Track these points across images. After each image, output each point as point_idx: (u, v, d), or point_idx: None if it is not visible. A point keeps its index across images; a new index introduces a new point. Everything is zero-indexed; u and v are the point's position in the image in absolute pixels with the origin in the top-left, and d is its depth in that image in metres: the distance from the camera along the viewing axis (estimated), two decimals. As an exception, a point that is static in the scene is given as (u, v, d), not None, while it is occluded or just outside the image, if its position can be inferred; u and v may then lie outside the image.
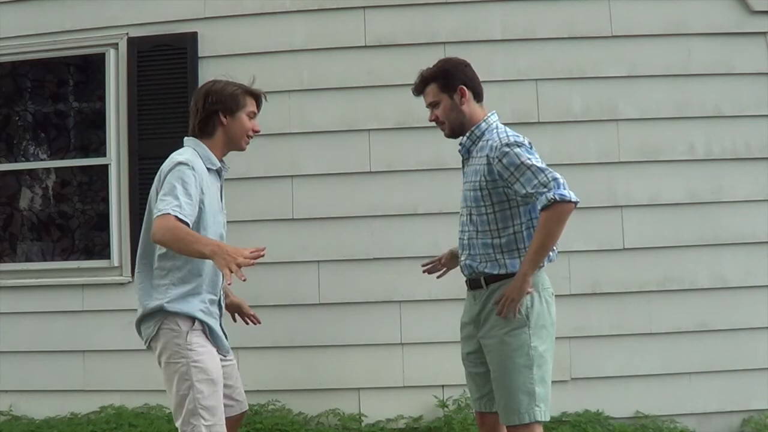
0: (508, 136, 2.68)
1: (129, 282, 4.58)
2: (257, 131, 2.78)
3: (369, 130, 4.51)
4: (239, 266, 2.31)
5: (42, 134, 5.13)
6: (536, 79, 4.47)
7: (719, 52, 4.45)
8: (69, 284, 4.62)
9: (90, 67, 4.91)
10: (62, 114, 5.06)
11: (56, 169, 5.04)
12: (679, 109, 4.44)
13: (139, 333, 2.68)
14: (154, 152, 4.54)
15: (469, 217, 2.74)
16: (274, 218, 4.50)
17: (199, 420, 2.49)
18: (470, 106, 2.78)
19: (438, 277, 3.13)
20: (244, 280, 2.33)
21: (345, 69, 4.55)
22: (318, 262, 4.46)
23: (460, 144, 2.84)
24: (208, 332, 2.63)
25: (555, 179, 2.54)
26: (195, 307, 2.59)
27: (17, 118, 5.12)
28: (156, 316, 2.59)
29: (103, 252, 4.72)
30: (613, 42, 4.47)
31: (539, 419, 2.58)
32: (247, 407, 2.87)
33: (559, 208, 2.52)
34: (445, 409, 4.28)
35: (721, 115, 4.43)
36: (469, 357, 2.83)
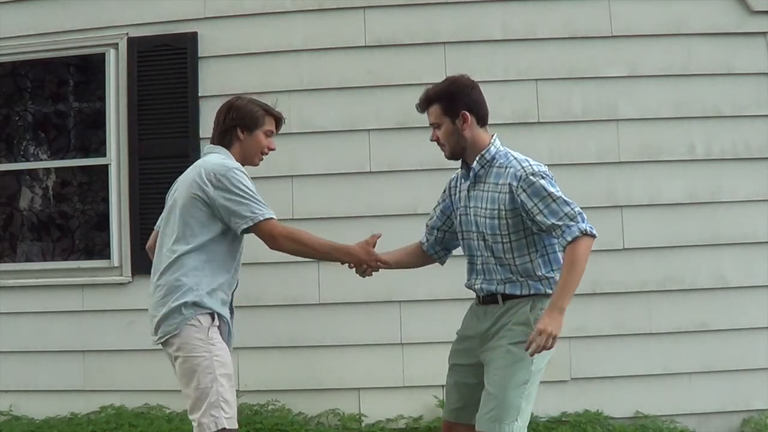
0: (531, 165, 2.66)
1: (129, 282, 4.58)
2: (272, 149, 2.88)
3: (369, 130, 4.51)
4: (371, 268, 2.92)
5: (42, 134, 5.13)
6: (536, 79, 4.47)
7: (719, 52, 4.45)
8: (69, 284, 4.62)
9: (90, 67, 4.91)
10: (62, 114, 5.06)
11: (56, 169, 5.05)
12: (679, 109, 4.44)
13: (156, 328, 2.67)
14: (154, 152, 4.55)
15: (483, 242, 2.72)
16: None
17: (221, 412, 2.55)
18: (473, 131, 2.74)
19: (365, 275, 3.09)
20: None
21: (345, 69, 4.55)
22: (318, 262, 4.45)
23: (465, 167, 2.81)
24: (225, 332, 2.72)
25: (580, 213, 2.58)
26: (218, 304, 2.68)
27: (17, 118, 5.12)
28: (182, 311, 2.62)
29: (103, 252, 4.72)
30: (613, 42, 4.47)
31: None
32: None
33: (588, 242, 2.57)
34: (445, 409, 4.28)
35: (721, 115, 4.43)
36: (462, 368, 2.83)
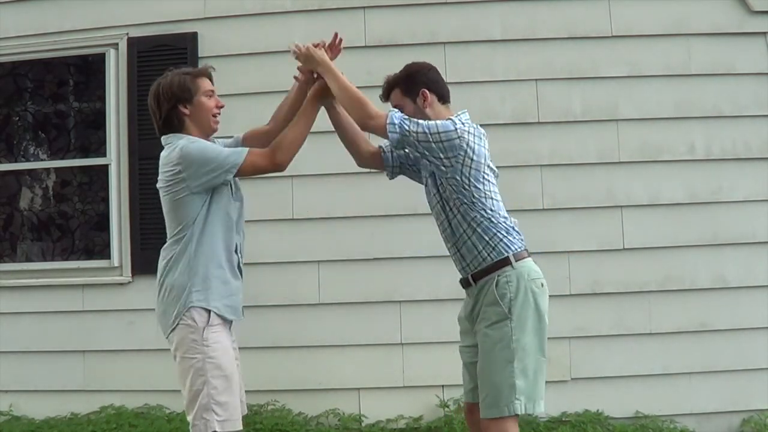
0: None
1: (129, 282, 4.58)
2: (221, 106, 2.78)
3: (369, 130, 4.50)
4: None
5: (42, 134, 5.13)
6: (536, 79, 4.46)
7: (719, 52, 4.45)
8: (69, 284, 4.62)
9: (90, 67, 4.91)
10: (62, 114, 5.06)
11: (56, 169, 5.05)
12: (679, 109, 4.44)
13: (162, 325, 2.68)
14: (154, 152, 4.48)
15: (445, 230, 2.77)
16: (274, 218, 4.50)
17: (212, 415, 2.51)
18: (434, 108, 2.78)
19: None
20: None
21: (345, 69, 4.51)
22: (318, 262, 4.45)
23: None
24: (227, 325, 2.69)
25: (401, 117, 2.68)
26: (213, 298, 2.62)
27: (17, 118, 5.12)
28: (176, 311, 2.61)
29: (103, 252, 4.72)
30: (613, 42, 4.47)
31: (519, 412, 2.55)
32: (246, 410, 2.86)
33: (377, 119, 2.71)
34: (446, 409, 4.28)
35: (721, 115, 4.43)
36: (465, 349, 2.85)
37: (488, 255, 2.66)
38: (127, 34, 4.68)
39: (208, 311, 2.61)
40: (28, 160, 5.08)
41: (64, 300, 4.62)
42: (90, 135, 4.95)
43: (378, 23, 4.54)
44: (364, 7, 4.54)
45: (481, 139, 2.71)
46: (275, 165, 2.66)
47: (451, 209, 2.71)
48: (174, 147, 2.62)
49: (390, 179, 3.09)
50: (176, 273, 2.62)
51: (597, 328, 4.37)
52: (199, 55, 4.59)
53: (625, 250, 4.37)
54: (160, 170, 2.66)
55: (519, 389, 2.55)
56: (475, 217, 2.67)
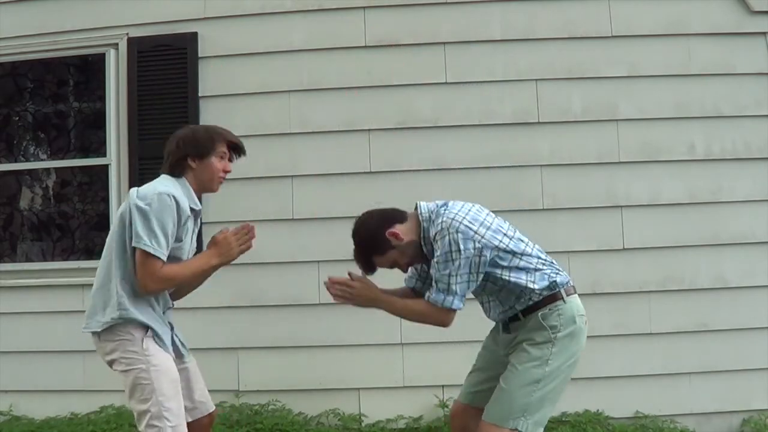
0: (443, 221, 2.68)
1: (129, 282, 4.58)
2: (228, 171, 2.77)
3: (369, 130, 4.51)
4: (242, 249, 2.69)
5: (42, 134, 5.13)
6: (536, 79, 4.46)
7: (719, 52, 4.45)
8: (69, 284, 4.62)
9: (90, 67, 4.91)
10: (62, 114, 5.06)
11: (56, 169, 5.05)
12: (679, 109, 4.44)
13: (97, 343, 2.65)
14: (154, 152, 4.51)
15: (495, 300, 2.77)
16: (274, 218, 4.50)
17: (164, 422, 2.50)
18: (406, 235, 2.73)
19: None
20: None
21: (345, 69, 4.55)
22: (318, 262, 4.45)
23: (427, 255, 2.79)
24: (160, 341, 2.63)
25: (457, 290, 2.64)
26: (149, 315, 2.61)
27: (17, 118, 5.12)
28: (113, 324, 2.58)
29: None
30: (613, 42, 4.47)
31: (520, 429, 2.57)
32: (214, 407, 2.85)
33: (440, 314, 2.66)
34: (445, 409, 4.28)
35: (721, 115, 4.43)
36: (486, 358, 2.88)
37: (539, 294, 2.66)
38: (127, 34, 4.68)
39: (145, 326, 2.60)
40: (28, 160, 5.08)
41: (64, 300, 4.62)
42: (90, 135, 4.95)
43: (378, 23, 4.54)
44: (364, 7, 4.54)
45: (484, 222, 2.67)
46: (144, 286, 2.56)
47: (493, 287, 2.71)
48: (151, 186, 2.62)
49: None
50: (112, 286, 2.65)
51: (597, 328, 4.33)
52: (199, 55, 4.60)
53: (625, 250, 4.37)
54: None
55: (531, 410, 2.58)
56: (518, 282, 2.66)
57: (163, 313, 2.71)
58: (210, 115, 4.55)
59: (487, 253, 2.61)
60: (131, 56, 4.65)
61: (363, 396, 4.41)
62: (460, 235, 2.58)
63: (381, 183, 4.49)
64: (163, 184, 2.61)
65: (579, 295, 2.75)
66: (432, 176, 4.45)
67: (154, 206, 2.52)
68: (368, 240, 2.75)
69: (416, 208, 2.78)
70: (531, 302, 2.67)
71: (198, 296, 4.62)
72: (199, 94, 4.58)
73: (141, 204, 2.53)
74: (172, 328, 2.73)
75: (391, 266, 2.80)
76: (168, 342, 2.65)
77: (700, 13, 4.47)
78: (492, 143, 4.45)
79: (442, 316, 2.66)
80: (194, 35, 4.61)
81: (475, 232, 2.60)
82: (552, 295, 2.67)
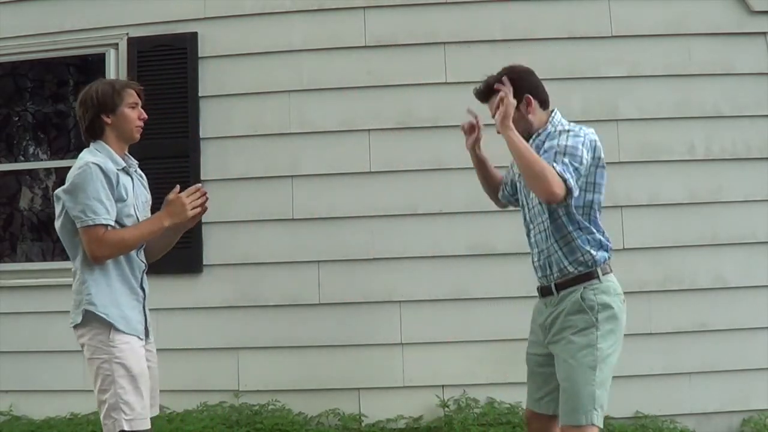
0: (563, 126, 2.75)
1: (129, 282, 4.58)
2: (144, 119, 2.79)
3: (369, 130, 4.51)
4: (195, 211, 2.68)
5: (42, 134, 5.13)
6: (536, 79, 4.46)
7: (719, 52, 4.45)
8: (69, 284, 4.58)
9: (90, 67, 4.91)
10: (62, 114, 5.06)
11: (56, 169, 5.05)
12: (679, 109, 4.44)
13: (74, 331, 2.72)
14: (154, 152, 4.53)
15: (540, 233, 2.75)
16: (274, 218, 4.50)
17: (120, 414, 2.55)
18: (537, 115, 2.79)
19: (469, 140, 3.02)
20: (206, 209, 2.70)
21: (345, 69, 4.55)
22: (318, 262, 4.45)
23: None
24: (130, 327, 2.66)
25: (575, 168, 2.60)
26: (117, 304, 2.64)
27: (17, 118, 5.12)
28: (83, 314, 2.65)
29: (103, 252, 4.72)
30: (613, 42, 4.47)
31: (595, 423, 2.55)
32: (157, 411, 2.86)
33: (557, 182, 2.57)
34: (446, 409, 4.28)
35: (721, 115, 4.43)
36: (534, 357, 2.84)
37: (576, 268, 2.65)
38: (127, 34, 4.68)
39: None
40: (28, 160, 5.09)
41: (65, 300, 4.56)
42: (90, 135, 4.95)
43: (378, 23, 4.54)
44: (364, 7, 4.54)
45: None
46: (93, 257, 2.63)
47: (552, 213, 2.68)
48: (78, 161, 2.65)
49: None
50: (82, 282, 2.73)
51: (597, 328, 4.36)
52: (199, 55, 4.59)
53: (625, 250, 4.36)
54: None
55: (598, 399, 2.56)
56: (573, 227, 2.66)
57: (141, 278, 2.73)
58: (210, 115, 4.55)
59: (596, 172, 2.68)
60: (131, 56, 4.65)
61: (363, 396, 4.41)
62: (587, 140, 2.71)
63: (381, 183, 4.49)
64: (77, 163, 2.64)
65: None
66: (432, 176, 4.46)
67: (75, 182, 2.58)
68: (512, 80, 2.74)
69: (553, 111, 2.82)
70: (566, 276, 2.65)
71: (198, 296, 4.64)
72: (199, 94, 4.58)
73: (64, 188, 2.61)
74: (144, 298, 2.74)
75: (494, 114, 2.73)
76: (139, 326, 2.68)
77: (700, 13, 4.47)
78: (492, 143, 4.43)
79: (557, 182, 2.53)
80: (194, 35, 4.61)
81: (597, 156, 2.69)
82: (588, 273, 2.65)
